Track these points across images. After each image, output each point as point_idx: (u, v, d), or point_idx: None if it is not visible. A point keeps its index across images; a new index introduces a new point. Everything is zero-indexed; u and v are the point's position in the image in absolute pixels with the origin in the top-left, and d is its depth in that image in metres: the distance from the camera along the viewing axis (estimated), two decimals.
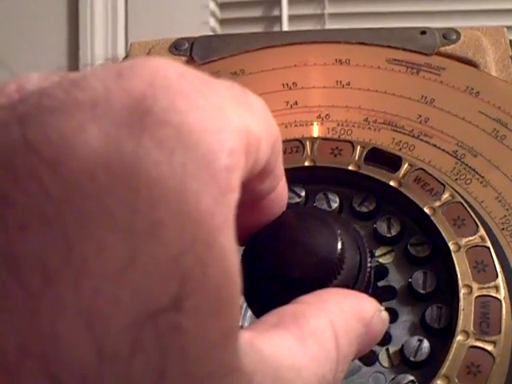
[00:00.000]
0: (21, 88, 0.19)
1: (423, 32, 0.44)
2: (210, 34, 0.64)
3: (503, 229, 0.36)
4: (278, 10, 0.65)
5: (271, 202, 0.26)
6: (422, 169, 0.36)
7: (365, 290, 0.30)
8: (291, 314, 0.22)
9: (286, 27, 0.63)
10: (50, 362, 0.15)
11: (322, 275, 0.28)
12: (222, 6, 0.66)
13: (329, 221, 0.30)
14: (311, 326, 0.22)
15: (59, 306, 0.15)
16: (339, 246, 0.29)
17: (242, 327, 0.34)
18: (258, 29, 0.65)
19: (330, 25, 0.64)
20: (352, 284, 0.29)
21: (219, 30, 0.65)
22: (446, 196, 0.35)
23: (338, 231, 0.29)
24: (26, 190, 0.16)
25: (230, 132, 0.18)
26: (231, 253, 0.17)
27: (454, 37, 0.43)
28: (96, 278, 0.15)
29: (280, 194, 0.26)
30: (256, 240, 0.30)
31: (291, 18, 0.64)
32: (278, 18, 0.64)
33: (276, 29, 0.65)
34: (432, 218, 0.34)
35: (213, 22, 0.64)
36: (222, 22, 0.66)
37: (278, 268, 0.29)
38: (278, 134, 0.22)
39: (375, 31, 0.45)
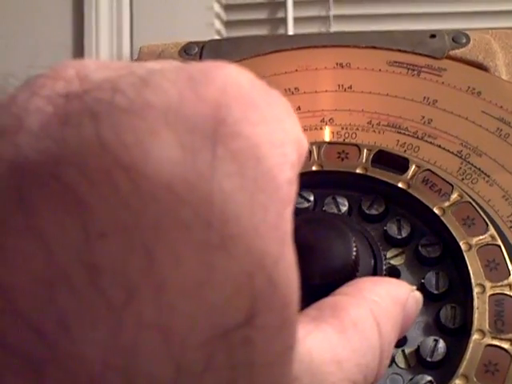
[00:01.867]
0: (81, 74, 0.17)
1: (433, 35, 0.44)
2: (215, 35, 0.63)
3: (511, 227, 0.36)
4: (283, 11, 0.65)
5: None
6: (429, 170, 0.36)
7: None
8: (331, 306, 0.22)
9: (291, 29, 0.63)
10: (131, 375, 0.15)
11: (339, 280, 0.29)
12: (226, 8, 0.66)
13: (341, 225, 0.30)
14: (351, 316, 0.22)
15: (140, 321, 0.15)
16: (353, 250, 0.29)
17: None
18: (263, 31, 0.65)
19: (335, 27, 0.64)
20: None
21: (224, 32, 0.65)
22: (454, 196, 0.35)
23: (352, 235, 0.29)
24: (103, 196, 0.15)
25: (291, 144, 0.18)
26: (293, 264, 0.17)
27: (464, 40, 0.44)
28: (174, 293, 0.15)
29: None
30: None
31: (296, 19, 0.64)
32: (283, 20, 0.64)
33: (281, 31, 0.65)
34: (442, 218, 0.34)
35: (218, 24, 0.64)
36: (227, 23, 0.66)
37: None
38: None
39: (383, 34, 0.45)
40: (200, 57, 0.45)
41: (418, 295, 0.26)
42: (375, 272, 0.30)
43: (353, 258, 0.29)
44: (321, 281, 0.28)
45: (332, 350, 0.20)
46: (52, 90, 0.17)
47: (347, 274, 0.29)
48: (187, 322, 0.15)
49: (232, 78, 0.17)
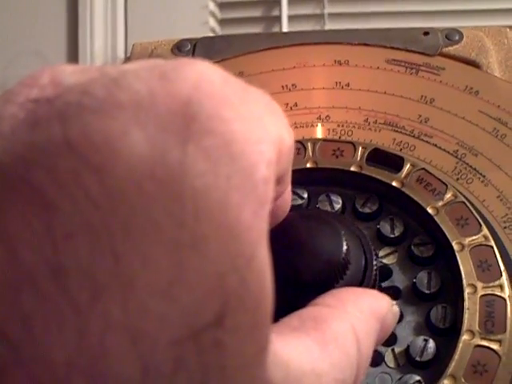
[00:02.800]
0: (56, 80, 0.18)
1: (426, 33, 0.44)
2: (210, 34, 0.63)
3: (505, 227, 0.36)
4: (277, 10, 0.65)
5: (276, 208, 0.25)
6: (424, 169, 0.36)
7: None
8: (313, 318, 0.22)
9: (285, 27, 0.63)
10: (97, 377, 0.15)
11: (328, 277, 0.29)
12: (221, 6, 0.66)
13: (333, 222, 0.30)
14: (333, 330, 0.21)
15: (107, 322, 0.15)
16: (344, 247, 0.29)
17: None
18: (257, 29, 0.65)
19: (329, 25, 0.64)
20: (358, 286, 0.29)
21: (219, 30, 0.65)
22: (448, 196, 0.35)
23: (343, 232, 0.29)
24: (71, 197, 0.15)
25: (268, 142, 0.18)
26: (267, 265, 0.17)
27: (457, 37, 0.44)
28: (143, 293, 0.15)
29: (285, 200, 0.26)
30: None
31: (291, 18, 0.64)
32: (278, 18, 0.64)
33: (276, 29, 0.65)
34: (435, 218, 0.34)
35: (212, 22, 0.64)
36: (222, 22, 0.66)
37: (285, 272, 0.29)
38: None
39: (377, 32, 0.45)
40: (193, 54, 0.45)
41: (396, 310, 0.26)
42: (365, 270, 0.30)
43: (343, 255, 0.29)
44: (311, 277, 0.28)
45: (312, 362, 0.20)
46: (26, 97, 0.17)
47: (337, 271, 0.28)
48: (156, 323, 0.15)
49: (204, 75, 0.17)
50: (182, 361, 0.15)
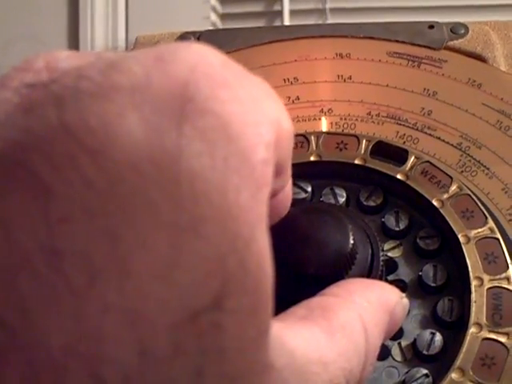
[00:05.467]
0: (51, 65, 0.18)
1: (431, 26, 0.44)
2: (211, 28, 0.63)
3: (510, 220, 0.36)
4: (279, 4, 0.64)
5: (278, 202, 0.25)
6: (428, 161, 0.36)
7: None
8: (320, 307, 0.22)
9: (287, 22, 0.63)
10: (94, 361, 0.15)
11: (334, 271, 0.28)
12: (223, 1, 0.66)
13: (339, 215, 0.30)
14: (340, 319, 0.21)
15: (104, 306, 0.15)
16: (351, 240, 0.29)
17: None
18: (259, 23, 0.65)
19: (331, 20, 0.64)
20: (365, 278, 0.29)
21: (220, 25, 0.65)
22: (453, 188, 0.35)
23: (349, 226, 0.29)
24: (68, 180, 0.15)
25: (267, 125, 0.18)
26: (266, 248, 0.17)
27: (463, 31, 0.43)
28: (141, 276, 0.15)
29: (287, 195, 0.25)
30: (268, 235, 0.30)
31: (292, 13, 0.64)
32: (279, 13, 0.64)
33: (277, 24, 0.64)
34: (441, 210, 0.34)
35: (214, 17, 0.64)
36: (223, 16, 0.66)
37: (292, 265, 0.29)
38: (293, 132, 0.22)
39: (381, 25, 0.44)
40: None
41: (406, 302, 0.26)
42: (372, 264, 0.29)
43: (349, 248, 0.28)
44: (316, 270, 0.28)
45: (319, 350, 0.20)
46: (20, 82, 0.17)
47: (343, 264, 0.28)
48: (155, 305, 0.15)
49: (202, 57, 0.17)
50: (181, 344, 0.15)
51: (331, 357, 0.20)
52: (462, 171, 0.37)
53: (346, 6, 0.64)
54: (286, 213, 0.27)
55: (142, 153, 0.15)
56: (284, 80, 0.43)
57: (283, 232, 0.29)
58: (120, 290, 0.15)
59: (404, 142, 0.39)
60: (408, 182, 0.35)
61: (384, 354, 0.32)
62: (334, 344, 0.20)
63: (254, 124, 0.17)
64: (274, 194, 0.24)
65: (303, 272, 0.28)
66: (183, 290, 0.15)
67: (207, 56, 0.17)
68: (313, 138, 0.37)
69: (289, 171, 0.23)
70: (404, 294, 0.26)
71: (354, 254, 0.29)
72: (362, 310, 0.22)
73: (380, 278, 0.30)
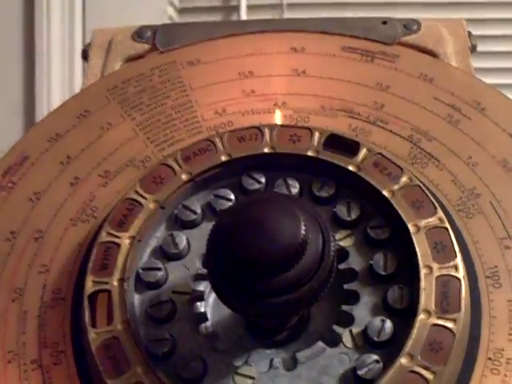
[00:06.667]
0: None
1: (384, 22, 0.45)
2: (168, 22, 0.63)
3: (459, 210, 0.37)
4: None
5: None
6: (380, 153, 0.36)
7: (328, 274, 0.30)
8: None
9: (244, 17, 0.63)
10: None
11: (286, 259, 0.29)
12: None
13: (291, 205, 0.30)
14: None
15: None
16: (302, 229, 0.29)
17: (205, 313, 0.34)
18: (216, 18, 0.65)
19: (288, 15, 0.64)
20: (316, 267, 0.30)
21: (177, 19, 0.65)
22: (404, 179, 0.35)
23: (301, 215, 0.29)
24: None
25: None
26: None
27: (415, 27, 0.44)
28: None
29: None
30: (220, 225, 0.30)
31: (249, 7, 0.64)
32: (237, 8, 0.64)
33: (234, 18, 0.65)
34: (391, 200, 0.35)
35: (171, 11, 0.64)
36: (181, 10, 0.66)
37: (242, 254, 0.29)
38: None
39: (335, 20, 0.45)
40: (153, 41, 0.45)
41: None
42: (323, 252, 0.30)
43: (301, 237, 0.29)
44: (269, 260, 0.28)
45: None
46: None
47: (294, 253, 0.29)
48: None
49: None
50: None
51: None
52: (413, 163, 0.38)
53: (303, 2, 0.64)
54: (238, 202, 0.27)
55: None
56: (239, 73, 0.43)
57: (235, 222, 0.30)
58: None
59: (356, 135, 0.39)
60: (360, 174, 0.36)
61: (335, 340, 0.32)
62: None
63: None
64: None
65: (255, 262, 0.29)
66: None
67: None
68: (267, 130, 0.38)
69: None
70: None
71: (305, 242, 0.29)
72: None
73: (331, 267, 0.30)
